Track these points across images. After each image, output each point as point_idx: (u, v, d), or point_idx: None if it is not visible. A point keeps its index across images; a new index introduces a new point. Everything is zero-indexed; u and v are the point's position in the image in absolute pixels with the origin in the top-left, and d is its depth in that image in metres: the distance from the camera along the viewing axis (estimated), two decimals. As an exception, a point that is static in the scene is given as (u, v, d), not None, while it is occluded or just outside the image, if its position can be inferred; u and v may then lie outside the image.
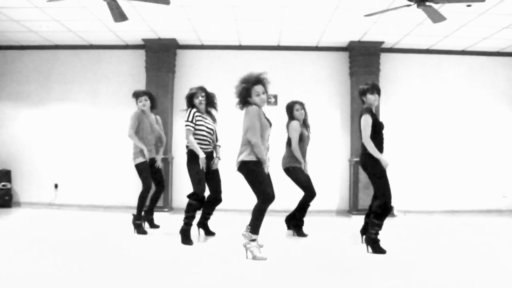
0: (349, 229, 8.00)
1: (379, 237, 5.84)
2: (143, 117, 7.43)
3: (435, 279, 4.54)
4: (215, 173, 6.82)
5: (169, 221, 8.37)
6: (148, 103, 7.50)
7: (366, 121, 5.84)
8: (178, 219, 6.76)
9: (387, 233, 6.06)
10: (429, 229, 8.31)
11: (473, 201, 10.50)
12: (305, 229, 7.15)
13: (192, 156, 6.53)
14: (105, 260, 5.28)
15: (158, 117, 7.95)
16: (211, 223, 7.15)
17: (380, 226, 5.83)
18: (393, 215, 9.88)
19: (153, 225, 7.64)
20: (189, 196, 6.47)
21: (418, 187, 10.44)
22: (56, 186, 10.73)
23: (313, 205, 7.27)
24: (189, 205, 6.42)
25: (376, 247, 5.78)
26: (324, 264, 5.27)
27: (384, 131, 6.09)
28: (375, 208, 5.85)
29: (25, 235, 6.85)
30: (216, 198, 6.86)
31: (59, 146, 10.75)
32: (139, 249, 5.97)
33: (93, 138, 10.48)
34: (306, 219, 7.22)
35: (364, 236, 6.19)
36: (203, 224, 7.02)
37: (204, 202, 6.59)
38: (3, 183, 10.33)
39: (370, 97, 5.95)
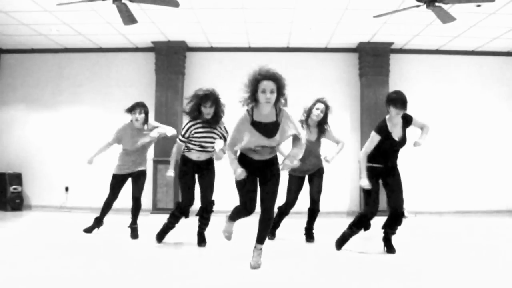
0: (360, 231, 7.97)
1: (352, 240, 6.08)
2: (128, 130, 7.01)
3: (444, 281, 4.52)
4: (207, 182, 6.30)
5: (178, 225, 8.35)
6: (141, 117, 6.86)
7: (371, 138, 5.75)
8: (185, 223, 6.74)
9: (397, 234, 6.02)
10: (440, 230, 8.27)
11: (484, 202, 10.45)
12: (315, 230, 7.03)
13: (181, 163, 6.27)
14: (113, 263, 5.29)
15: (150, 123, 7.12)
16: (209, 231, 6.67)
17: (350, 229, 6.01)
18: (404, 217, 9.84)
19: (133, 235, 6.98)
20: (175, 205, 6.45)
21: (429, 188, 10.40)
22: (66, 189, 10.78)
23: (324, 206, 7.21)
24: (172, 213, 6.35)
25: (339, 240, 6.11)
26: (332, 266, 5.26)
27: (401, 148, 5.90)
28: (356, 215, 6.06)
29: (35, 238, 6.87)
30: (202, 207, 6.35)
31: (69, 149, 10.80)
32: (144, 251, 5.96)
33: (103, 141, 10.47)
34: (316, 220, 7.10)
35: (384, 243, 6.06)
36: (198, 233, 6.45)
37: (186, 213, 6.32)
38: (14, 186, 10.38)
39: (392, 110, 5.67)
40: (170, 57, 10.47)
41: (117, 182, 7.07)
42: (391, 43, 10.30)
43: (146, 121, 6.99)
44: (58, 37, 10.06)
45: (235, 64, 10.55)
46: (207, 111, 5.95)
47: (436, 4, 6.57)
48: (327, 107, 6.79)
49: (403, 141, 5.81)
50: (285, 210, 6.79)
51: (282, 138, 4.88)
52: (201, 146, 6.12)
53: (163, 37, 10.10)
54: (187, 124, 6.09)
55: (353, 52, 10.74)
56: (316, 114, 6.73)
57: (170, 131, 6.96)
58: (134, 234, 6.98)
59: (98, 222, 7.30)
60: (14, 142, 10.96)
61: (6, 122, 11.02)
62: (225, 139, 6.18)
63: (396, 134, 5.73)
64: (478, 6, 7.76)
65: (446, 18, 7.03)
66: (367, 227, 5.93)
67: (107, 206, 7.22)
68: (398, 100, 5.65)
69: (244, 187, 4.92)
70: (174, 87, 10.38)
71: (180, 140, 6.12)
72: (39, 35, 9.92)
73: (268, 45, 10.59)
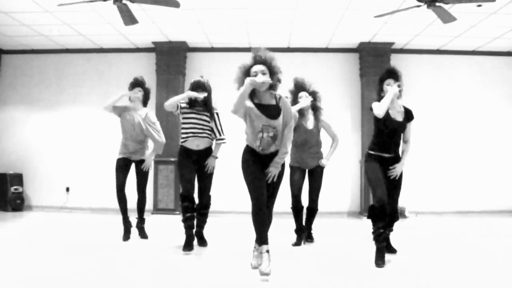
0: (360, 231, 7.98)
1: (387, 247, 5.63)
2: (125, 110, 6.85)
3: (445, 280, 4.51)
4: (206, 175, 6.15)
5: (180, 225, 8.36)
6: (141, 94, 6.86)
7: (375, 104, 5.48)
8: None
9: (398, 234, 6.02)
10: (440, 230, 8.26)
11: (485, 201, 10.44)
12: (316, 230, 7.03)
13: (179, 154, 6.14)
14: (114, 263, 5.29)
15: (149, 114, 6.94)
16: (206, 230, 6.56)
17: (375, 232, 5.33)
18: (405, 217, 9.85)
19: (142, 235, 6.97)
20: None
21: (430, 188, 10.39)
22: (67, 189, 10.78)
23: (325, 206, 7.17)
24: (181, 209, 6.11)
25: (376, 253, 5.32)
26: (332, 267, 5.25)
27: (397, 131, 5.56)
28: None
29: (36, 239, 6.87)
30: (199, 204, 6.22)
31: (70, 149, 10.81)
32: (145, 252, 5.95)
33: (104, 141, 10.48)
34: (316, 220, 6.99)
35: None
36: (197, 233, 6.31)
37: (189, 199, 5.99)
38: (15, 187, 10.38)
39: (386, 87, 5.50)
40: (170, 58, 10.48)
41: (120, 166, 6.76)
42: (392, 43, 10.29)
43: (145, 100, 6.95)
44: (58, 37, 10.06)
45: (236, 65, 10.45)
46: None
47: (437, 4, 6.57)
48: (311, 93, 6.71)
49: (403, 126, 5.55)
50: (296, 206, 6.63)
51: (283, 122, 4.85)
52: (193, 132, 6.04)
53: (163, 37, 10.10)
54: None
55: (353, 52, 10.74)
56: (303, 100, 6.60)
57: (158, 144, 6.91)
58: (143, 234, 6.95)
59: (125, 221, 6.84)
60: (15, 142, 10.96)
61: (7, 122, 11.03)
62: (217, 128, 6.19)
63: (393, 115, 5.50)
64: (479, 6, 7.76)
65: (446, 18, 7.02)
66: (383, 219, 5.31)
67: (121, 199, 6.75)
68: (389, 73, 5.58)
69: (252, 175, 4.82)
70: (175, 88, 10.37)
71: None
72: (39, 36, 9.92)
73: (268, 45, 10.37)
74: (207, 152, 6.15)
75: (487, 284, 4.40)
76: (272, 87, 4.85)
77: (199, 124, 6.08)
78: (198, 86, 6.08)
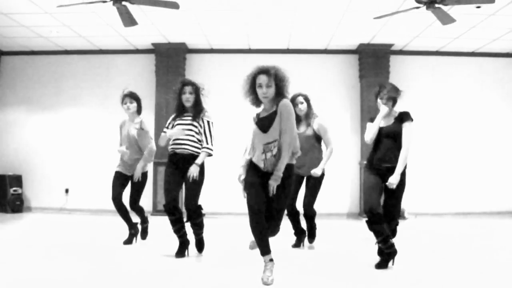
0: (360, 232, 7.97)
1: (388, 250, 5.25)
2: (122, 125, 6.82)
3: (445, 282, 4.51)
4: (190, 182, 5.66)
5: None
6: (133, 106, 6.65)
7: (368, 126, 5.44)
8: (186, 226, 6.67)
9: (398, 236, 6.00)
10: (440, 232, 8.26)
11: (484, 203, 10.44)
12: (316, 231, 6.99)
13: (167, 162, 5.88)
14: (113, 266, 5.29)
15: (144, 121, 6.77)
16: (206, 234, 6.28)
17: (377, 241, 5.17)
18: (404, 218, 9.84)
19: (142, 236, 6.89)
20: None
21: (429, 189, 10.39)
22: (67, 191, 10.77)
23: (324, 208, 7.13)
24: None
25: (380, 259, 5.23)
26: (332, 269, 5.25)
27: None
28: None
29: (36, 241, 6.87)
30: (187, 213, 5.80)
31: (69, 151, 10.80)
32: (145, 255, 5.94)
33: (103, 143, 10.48)
34: (316, 222, 6.97)
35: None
36: (195, 238, 6.08)
37: (172, 212, 5.72)
38: (14, 188, 10.37)
39: (379, 101, 5.41)
40: (170, 59, 10.48)
41: (116, 178, 6.65)
42: (391, 45, 10.30)
43: (139, 109, 6.77)
44: (58, 39, 10.06)
45: (235, 66, 10.52)
46: (186, 97, 5.77)
47: (436, 5, 6.57)
48: (307, 99, 6.58)
49: (392, 130, 5.31)
50: (289, 211, 6.43)
51: (280, 128, 4.52)
52: (180, 143, 5.74)
53: (163, 38, 10.10)
54: (171, 116, 5.97)
55: (353, 54, 10.74)
56: (300, 108, 6.48)
57: (147, 153, 6.71)
58: (143, 235, 6.88)
59: (131, 227, 6.75)
60: (14, 144, 10.95)
61: (6, 124, 11.03)
62: (205, 135, 5.78)
63: (384, 123, 5.37)
64: (478, 7, 7.77)
65: (446, 19, 7.03)
66: (381, 229, 5.12)
67: (118, 208, 6.63)
68: (382, 88, 5.48)
69: (249, 184, 4.63)
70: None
71: (164, 132, 5.89)
72: (39, 37, 9.92)
73: (268, 47, 10.58)
74: (190, 157, 5.75)
75: (488, 286, 4.40)
76: (278, 95, 4.60)
77: (189, 136, 5.75)
78: (185, 84, 5.84)
